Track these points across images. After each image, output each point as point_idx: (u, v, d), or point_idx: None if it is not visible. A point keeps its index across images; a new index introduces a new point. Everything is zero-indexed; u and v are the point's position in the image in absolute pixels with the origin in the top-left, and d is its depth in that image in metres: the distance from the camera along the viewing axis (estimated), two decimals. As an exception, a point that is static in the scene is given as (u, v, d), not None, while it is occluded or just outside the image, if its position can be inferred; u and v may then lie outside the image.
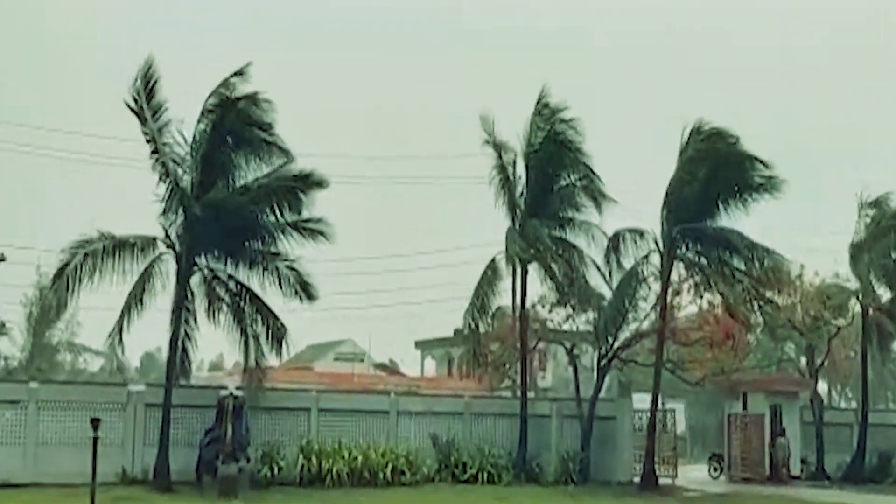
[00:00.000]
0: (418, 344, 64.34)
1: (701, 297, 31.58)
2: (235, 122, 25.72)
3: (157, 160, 24.91)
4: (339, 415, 28.62)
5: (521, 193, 30.95)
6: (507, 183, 30.90)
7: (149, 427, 25.59)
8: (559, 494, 27.39)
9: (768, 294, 30.78)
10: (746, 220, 30.25)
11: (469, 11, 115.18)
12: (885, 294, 35.83)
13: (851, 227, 35.26)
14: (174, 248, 25.61)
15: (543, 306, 32.14)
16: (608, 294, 30.66)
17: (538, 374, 45.81)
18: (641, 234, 30.28)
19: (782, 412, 35.21)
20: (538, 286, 31.32)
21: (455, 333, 57.42)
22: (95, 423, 15.36)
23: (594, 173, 30.78)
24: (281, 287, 26.61)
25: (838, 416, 39.75)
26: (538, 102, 30.67)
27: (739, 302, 29.73)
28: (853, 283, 35.46)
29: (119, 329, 24.84)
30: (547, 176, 30.81)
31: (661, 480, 30.51)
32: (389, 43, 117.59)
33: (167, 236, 25.62)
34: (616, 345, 31.40)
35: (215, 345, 70.28)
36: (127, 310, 24.91)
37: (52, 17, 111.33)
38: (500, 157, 30.88)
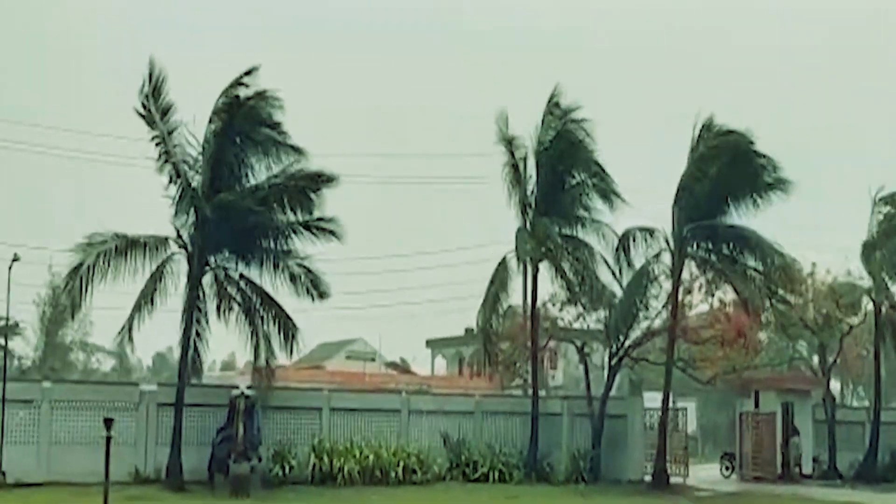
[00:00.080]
0: (429, 343, 64.43)
1: (712, 295, 31.54)
2: (245, 121, 25.84)
3: (166, 161, 25.03)
4: (350, 414, 28.68)
5: (532, 192, 30.94)
6: (518, 181, 30.89)
7: (161, 426, 25.70)
8: (570, 493, 27.37)
9: (780, 292, 30.68)
10: (749, 219, 30.26)
11: (469, 11, 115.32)
12: (897, 292, 35.65)
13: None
14: (186, 248, 25.73)
15: (554, 305, 32.15)
16: (619, 293, 30.61)
17: (549, 372, 45.81)
18: (652, 232, 30.23)
19: (794, 411, 35.10)
20: (549, 285, 31.38)
21: (466, 332, 57.71)
22: (109, 422, 15.38)
23: (605, 172, 30.75)
24: (293, 286, 26.69)
25: (850, 415, 39.60)
26: (550, 101, 30.66)
27: (756, 297, 29.64)
28: (866, 281, 35.30)
29: (129, 328, 24.96)
30: (557, 174, 30.79)
31: (673, 479, 30.44)
32: (389, 43, 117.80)
33: (179, 236, 25.74)
34: (627, 343, 31.35)
35: (227, 344, 70.63)
36: (138, 309, 25.03)
37: (53, 17, 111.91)
38: (512, 155, 30.88)
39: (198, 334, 26.44)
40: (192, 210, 25.44)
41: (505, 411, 31.20)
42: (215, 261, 26.39)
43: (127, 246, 25.10)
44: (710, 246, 30.45)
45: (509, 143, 30.84)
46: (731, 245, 30.15)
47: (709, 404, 51.79)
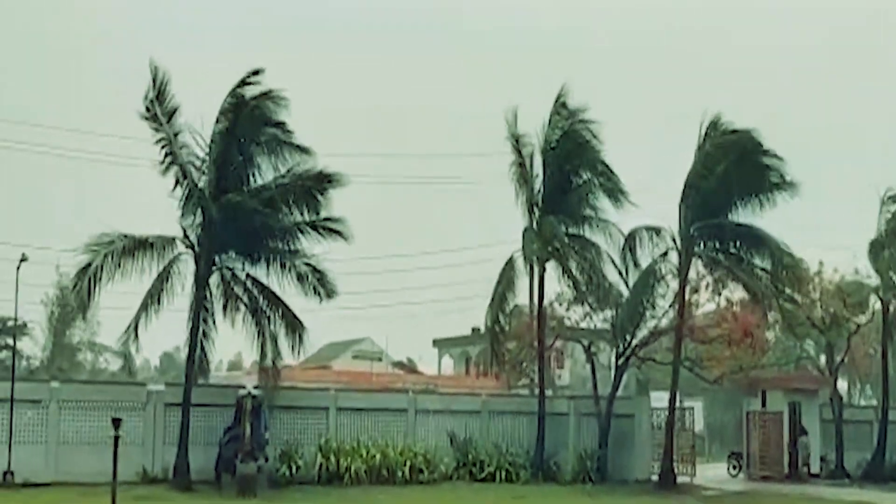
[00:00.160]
0: (436, 342, 64.43)
1: (719, 294, 31.50)
2: (251, 121, 25.92)
3: (172, 162, 25.09)
4: (357, 413, 28.72)
5: (538, 191, 30.92)
6: (524, 181, 30.88)
7: (168, 426, 25.76)
8: (577, 493, 27.37)
9: (787, 291, 30.62)
10: (755, 218, 30.19)
11: (469, 11, 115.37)
12: (905, 290, 35.54)
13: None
14: (193, 248, 25.78)
15: (561, 304, 32.14)
16: (625, 292, 30.58)
17: (556, 372, 45.78)
18: (658, 231, 30.18)
19: (801, 410, 35.03)
20: (556, 284, 31.37)
21: (472, 332, 57.70)
22: (117, 422, 15.46)
23: (612, 171, 30.72)
24: (300, 286, 26.74)
25: (858, 414, 39.52)
26: (557, 101, 30.65)
27: (768, 294, 29.57)
28: (873, 280, 35.22)
29: (135, 327, 25.02)
30: (564, 174, 30.80)
31: (680, 479, 30.40)
32: (389, 43, 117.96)
33: (186, 236, 25.80)
34: (634, 343, 31.32)
35: (234, 344, 70.80)
36: (144, 308, 25.09)
37: (52, 17, 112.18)
38: (519, 154, 30.88)
39: (204, 334, 26.50)
40: (199, 210, 25.50)
41: (512, 411, 31.21)
42: (222, 261, 26.46)
43: (134, 246, 25.16)
44: (718, 245, 30.40)
45: (517, 141, 30.84)
46: (738, 244, 30.10)
47: (716, 404, 51.70)
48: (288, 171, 26.41)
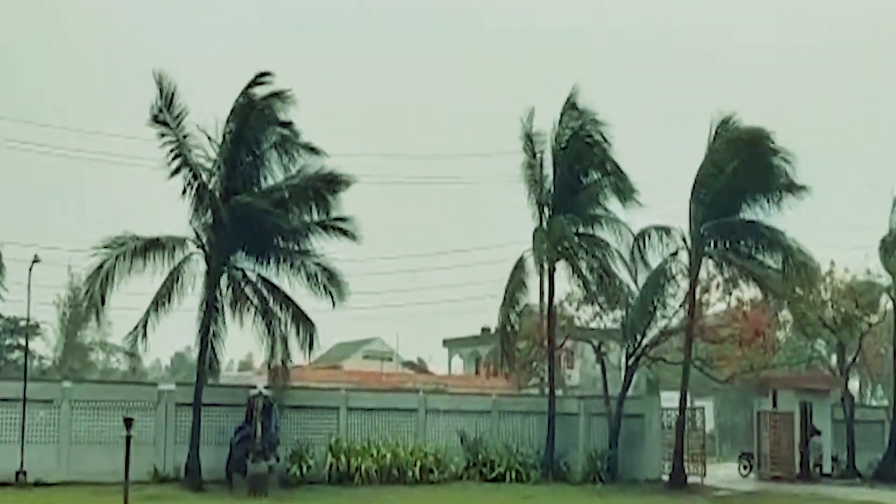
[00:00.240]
0: (446, 342, 64.47)
1: (730, 294, 31.41)
2: (261, 122, 26.01)
3: (182, 165, 25.18)
4: (367, 413, 28.77)
5: (549, 191, 30.91)
6: (535, 181, 30.88)
7: (179, 426, 25.85)
8: (587, 493, 27.35)
9: (798, 291, 30.51)
10: (764, 217, 30.07)
11: (469, 11, 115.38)
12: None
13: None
14: (204, 249, 25.87)
15: (571, 304, 32.13)
16: (635, 291, 30.53)
17: (566, 372, 45.76)
18: (668, 231, 30.12)
19: (813, 410, 34.93)
20: (565, 283, 31.35)
21: (483, 332, 57.72)
22: (129, 422, 15.54)
23: (622, 171, 30.67)
24: (311, 286, 26.80)
25: (869, 414, 39.40)
26: (567, 101, 30.63)
27: (780, 291, 29.45)
28: (884, 280, 35.10)
29: (143, 327, 25.10)
30: (574, 174, 30.76)
31: (690, 479, 30.33)
32: (390, 43, 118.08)
33: (198, 237, 25.89)
34: (644, 342, 31.28)
35: (245, 344, 71.05)
36: (154, 308, 25.19)
37: (53, 16, 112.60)
38: (532, 154, 30.89)
39: (215, 334, 26.56)
40: (210, 211, 25.58)
41: (522, 411, 31.21)
42: (232, 261, 26.53)
43: (145, 247, 25.26)
44: (728, 244, 30.29)
45: (530, 141, 30.84)
46: (749, 242, 29.97)
47: (726, 403, 51.61)
48: (298, 171, 26.50)
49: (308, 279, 26.77)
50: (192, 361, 30.91)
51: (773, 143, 28.98)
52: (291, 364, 27.43)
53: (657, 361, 33.31)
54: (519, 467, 28.90)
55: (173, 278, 25.47)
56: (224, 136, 25.83)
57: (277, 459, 25.38)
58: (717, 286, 31.20)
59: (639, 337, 31.09)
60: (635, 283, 30.37)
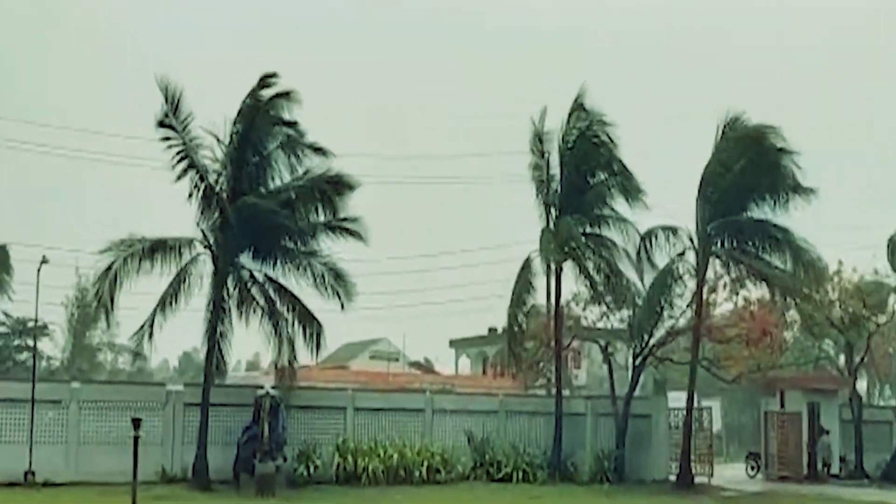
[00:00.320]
0: (453, 343, 64.50)
1: (737, 293, 31.36)
2: (267, 123, 26.08)
3: (189, 167, 25.24)
4: (374, 413, 28.79)
5: (555, 191, 30.91)
6: (543, 181, 30.88)
7: (187, 426, 25.91)
8: (594, 493, 27.33)
9: (806, 291, 30.46)
10: (772, 217, 29.96)
11: (469, 11, 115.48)
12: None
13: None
14: (211, 249, 25.94)
15: (577, 304, 32.12)
16: (642, 291, 30.50)
17: (573, 372, 45.77)
18: (675, 231, 30.09)
19: (820, 410, 34.85)
20: (572, 283, 31.35)
21: (489, 332, 57.74)
22: (137, 422, 15.56)
23: (629, 171, 30.64)
24: (318, 287, 26.84)
25: (877, 414, 39.33)
26: (575, 102, 30.63)
27: (788, 289, 29.36)
28: (892, 280, 35.02)
29: (150, 326, 25.16)
30: (581, 174, 30.74)
31: (697, 479, 30.32)
32: (389, 43, 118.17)
33: (205, 237, 25.96)
34: (651, 342, 31.25)
35: (252, 344, 71.29)
36: (161, 308, 25.26)
37: (52, 16, 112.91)
38: (541, 154, 30.90)
39: (222, 335, 26.61)
40: (218, 212, 25.63)
41: (529, 411, 31.20)
42: (240, 262, 26.59)
43: (153, 248, 25.34)
44: (735, 243, 30.21)
45: (540, 142, 30.85)
46: (756, 242, 29.89)
47: (734, 404, 51.58)
48: (305, 173, 26.57)
49: (315, 280, 26.80)
50: (200, 362, 30.93)
51: (782, 140, 28.87)
52: (298, 364, 27.47)
53: (664, 361, 33.28)
54: (526, 467, 28.90)
55: (180, 279, 25.55)
56: (231, 136, 25.90)
57: (285, 459, 25.42)
58: (725, 286, 31.16)
59: (646, 337, 31.07)
60: (642, 283, 30.36)
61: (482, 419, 30.19)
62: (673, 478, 30.33)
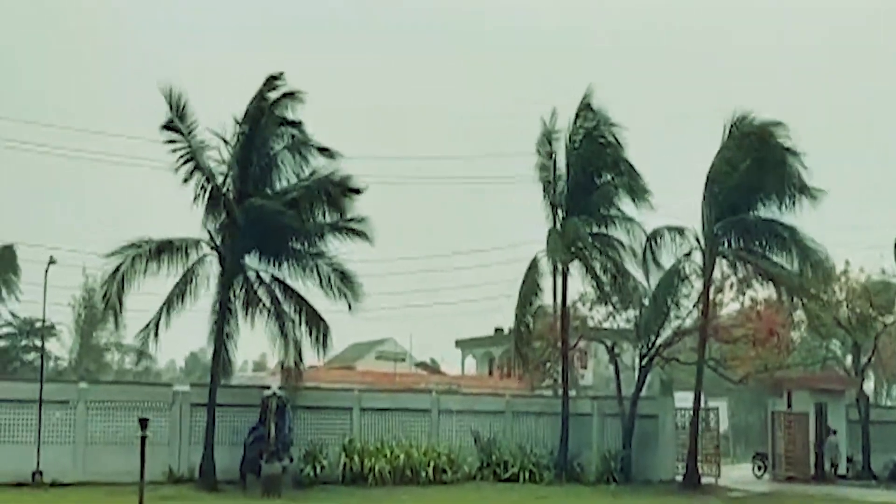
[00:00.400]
0: (459, 343, 64.47)
1: (743, 294, 31.32)
2: (273, 124, 26.14)
3: (195, 169, 25.29)
4: (381, 414, 28.82)
5: (562, 192, 30.88)
6: (549, 181, 30.86)
7: (194, 426, 25.97)
8: (601, 493, 27.33)
9: (813, 291, 30.37)
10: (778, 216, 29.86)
11: (469, 11, 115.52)
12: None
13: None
14: (218, 250, 25.99)
15: (584, 304, 32.09)
16: (648, 292, 30.47)
17: (579, 372, 45.70)
18: (681, 231, 30.04)
19: (828, 410, 34.77)
20: (579, 284, 31.33)
21: (496, 332, 57.69)
22: (144, 422, 15.58)
23: (636, 171, 30.61)
24: (323, 287, 26.86)
25: (885, 415, 39.20)
26: (582, 102, 30.61)
27: (794, 288, 29.29)
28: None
29: (155, 326, 25.22)
30: (588, 174, 30.72)
31: (704, 479, 30.27)
32: (389, 43, 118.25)
33: (211, 238, 26.01)
34: (658, 343, 31.22)
35: (259, 345, 71.41)
36: (167, 308, 25.31)
37: (53, 17, 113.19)
38: (549, 155, 30.89)
39: (228, 335, 26.67)
40: (224, 214, 25.68)
41: (535, 411, 31.21)
42: (246, 262, 26.63)
43: (160, 249, 25.40)
44: (742, 243, 30.13)
45: (549, 142, 30.84)
46: (763, 241, 29.78)
47: (740, 404, 51.43)
48: (311, 174, 26.61)
49: (321, 281, 26.84)
50: (206, 362, 31.00)
51: (789, 138, 28.78)
52: (304, 366, 27.43)
53: (671, 362, 33.25)
54: (532, 468, 28.90)
55: (187, 279, 25.61)
56: (238, 136, 25.95)
57: (291, 460, 25.45)
58: (731, 286, 31.12)
59: (652, 337, 31.04)
60: (648, 283, 30.33)
61: (489, 419, 30.20)
62: (679, 478, 30.29)
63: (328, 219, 26.84)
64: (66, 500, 22.37)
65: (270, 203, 25.67)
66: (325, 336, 26.88)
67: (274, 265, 26.94)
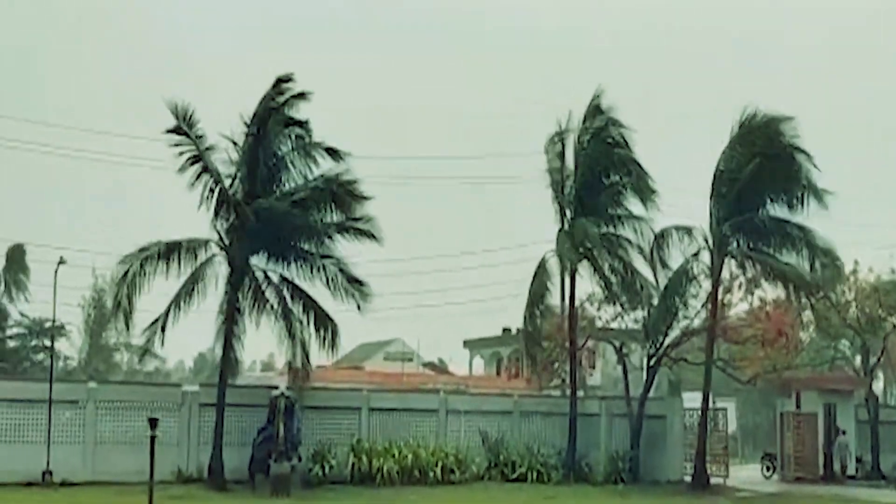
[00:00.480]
0: (467, 343, 64.50)
1: (752, 294, 31.25)
2: (281, 125, 26.21)
3: (203, 170, 25.38)
4: (389, 414, 28.85)
5: (570, 192, 30.88)
6: (558, 182, 30.86)
7: (203, 426, 26.03)
8: (608, 493, 27.32)
9: (823, 290, 30.27)
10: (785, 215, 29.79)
11: (469, 11, 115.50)
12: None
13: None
14: (226, 251, 26.06)
15: (592, 304, 32.08)
16: (656, 292, 30.42)
17: (587, 371, 45.68)
18: (689, 231, 29.97)
19: (837, 411, 34.68)
20: (587, 284, 31.30)
21: (503, 332, 57.72)
22: (153, 422, 15.64)
23: (644, 171, 30.57)
24: (330, 288, 26.91)
25: (894, 415, 39.02)
26: (591, 103, 30.59)
27: (804, 286, 29.18)
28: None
29: (162, 324, 25.29)
30: (596, 175, 30.71)
31: (713, 480, 30.22)
32: (389, 43, 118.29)
33: (220, 239, 26.09)
34: (666, 343, 31.19)
35: (267, 345, 71.53)
36: (175, 307, 25.39)
37: (52, 16, 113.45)
38: (559, 156, 30.89)
39: (236, 335, 26.70)
40: (232, 215, 25.73)
41: (543, 411, 31.20)
42: (254, 263, 26.69)
43: (169, 250, 25.50)
44: (751, 243, 30.02)
45: (562, 143, 30.84)
46: (772, 241, 29.64)
47: (749, 404, 51.37)
48: (321, 175, 26.68)
49: (328, 281, 26.89)
50: (215, 362, 31.08)
51: (796, 134, 28.67)
52: (311, 367, 27.44)
53: (679, 362, 33.20)
54: (540, 468, 28.90)
55: (195, 278, 25.68)
56: (246, 137, 26.03)
57: (300, 460, 25.51)
58: (740, 286, 31.05)
59: (660, 337, 31.01)
60: (656, 283, 30.28)
61: (496, 419, 30.20)
62: (688, 479, 30.23)
63: (337, 219, 26.89)
64: (75, 499, 22.47)
65: (278, 203, 25.76)
66: (334, 336, 26.93)
67: (282, 265, 27.01)
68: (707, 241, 29.92)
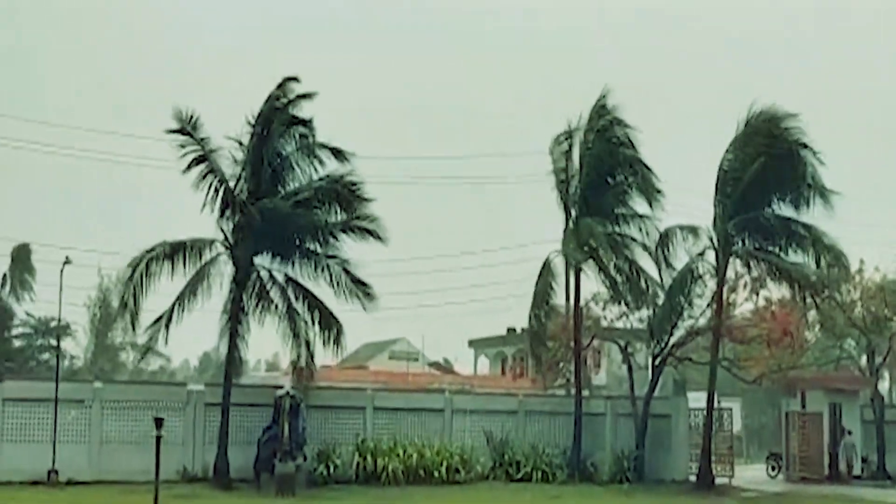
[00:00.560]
0: (472, 343, 64.47)
1: (757, 293, 31.21)
2: (285, 125, 26.25)
3: (208, 171, 25.43)
4: (394, 413, 28.88)
5: (576, 191, 30.86)
6: (563, 181, 30.86)
7: (208, 426, 26.10)
8: (614, 493, 27.31)
9: (827, 291, 30.20)
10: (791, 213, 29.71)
11: (469, 11, 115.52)
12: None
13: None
14: (231, 250, 26.11)
15: (597, 303, 32.06)
16: (661, 291, 30.40)
17: (592, 371, 45.67)
18: (694, 230, 29.93)
19: (842, 411, 34.62)
20: (592, 283, 31.29)
21: (508, 332, 57.69)
22: (159, 421, 15.70)
23: (650, 170, 30.55)
24: (336, 288, 26.93)
25: (900, 415, 38.94)
26: (597, 103, 30.56)
27: (810, 285, 29.10)
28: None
29: (166, 323, 25.33)
30: (601, 174, 30.68)
31: (718, 480, 30.19)
32: (390, 43, 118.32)
33: (226, 238, 26.14)
34: (671, 342, 31.15)
35: (272, 344, 71.68)
36: (179, 305, 25.44)
37: (52, 16, 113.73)
38: (566, 155, 30.88)
39: (241, 335, 26.75)
40: (238, 214, 25.78)
41: (548, 411, 31.20)
42: (259, 262, 26.74)
43: (175, 249, 25.56)
44: (757, 242, 29.95)
45: (569, 144, 30.83)
46: (778, 240, 29.56)
47: (754, 404, 51.33)
48: (326, 175, 26.72)
49: (332, 281, 26.92)
50: (220, 361, 31.13)
51: (801, 129, 28.59)
52: (315, 367, 27.46)
53: (684, 361, 33.14)
54: (545, 467, 28.90)
55: (199, 277, 25.73)
56: (251, 137, 26.09)
57: (305, 459, 25.55)
58: (745, 286, 31.01)
59: (665, 337, 30.96)
60: (661, 282, 30.26)
61: (501, 419, 30.21)
62: (693, 478, 30.22)
63: (341, 218, 26.92)
64: (81, 498, 22.52)
65: (283, 203, 25.80)
66: (338, 336, 26.96)
67: (287, 265, 27.06)
68: (712, 241, 29.88)
